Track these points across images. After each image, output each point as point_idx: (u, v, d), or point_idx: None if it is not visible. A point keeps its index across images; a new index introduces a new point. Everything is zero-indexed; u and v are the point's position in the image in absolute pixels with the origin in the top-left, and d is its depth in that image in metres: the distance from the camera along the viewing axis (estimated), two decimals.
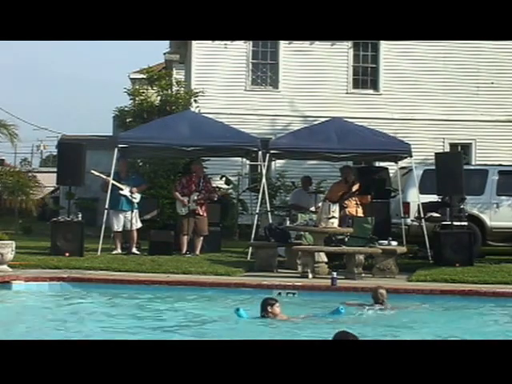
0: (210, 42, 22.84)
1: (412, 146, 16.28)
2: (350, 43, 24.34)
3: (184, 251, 15.34)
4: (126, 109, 23.67)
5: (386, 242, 13.83)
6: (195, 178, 15.88)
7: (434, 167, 15.75)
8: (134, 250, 15.55)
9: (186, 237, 15.52)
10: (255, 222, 16.33)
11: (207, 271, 13.10)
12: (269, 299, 9.24)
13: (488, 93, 24.48)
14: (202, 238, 15.68)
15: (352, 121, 17.84)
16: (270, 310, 8.96)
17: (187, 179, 16.04)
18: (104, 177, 15.78)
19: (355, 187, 15.71)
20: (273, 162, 20.71)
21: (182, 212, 15.59)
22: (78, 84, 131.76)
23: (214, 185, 17.79)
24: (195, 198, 15.58)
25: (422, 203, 15.75)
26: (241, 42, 23.61)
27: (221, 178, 21.27)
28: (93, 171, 15.79)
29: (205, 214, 15.74)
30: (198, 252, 15.46)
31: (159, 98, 23.55)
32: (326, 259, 13.91)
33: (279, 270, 13.76)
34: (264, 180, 16.23)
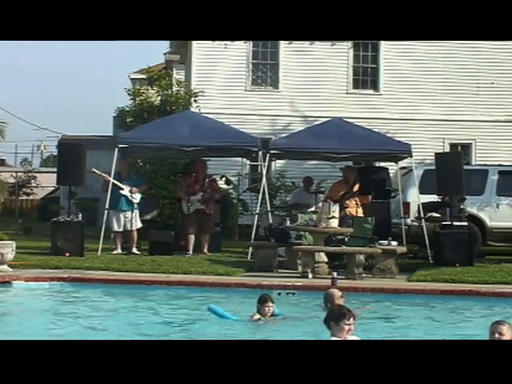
0: (210, 42, 22.81)
1: (412, 146, 16.29)
2: (350, 43, 24.33)
3: (191, 250, 15.39)
4: (127, 109, 23.69)
5: (386, 242, 13.83)
6: (200, 178, 15.98)
7: (434, 167, 15.75)
8: (134, 250, 15.56)
9: (192, 236, 15.59)
10: (255, 222, 16.33)
11: (207, 271, 13.11)
12: (262, 297, 9.18)
13: (488, 93, 24.48)
14: (208, 236, 15.74)
15: (352, 121, 17.83)
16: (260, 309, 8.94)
17: (192, 179, 16.15)
18: (105, 176, 15.79)
19: (356, 187, 15.72)
20: (273, 162, 20.71)
21: (187, 211, 15.68)
22: (78, 84, 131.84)
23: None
24: (199, 197, 15.68)
25: (422, 203, 15.75)
26: (241, 42, 23.60)
27: (221, 178, 21.28)
28: (94, 170, 15.80)
29: (211, 213, 15.86)
30: (205, 250, 15.55)
31: (159, 98, 23.57)
32: (326, 259, 13.91)
33: (279, 270, 13.76)
34: (264, 180, 16.24)
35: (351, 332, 5.97)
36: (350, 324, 5.94)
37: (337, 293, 9.14)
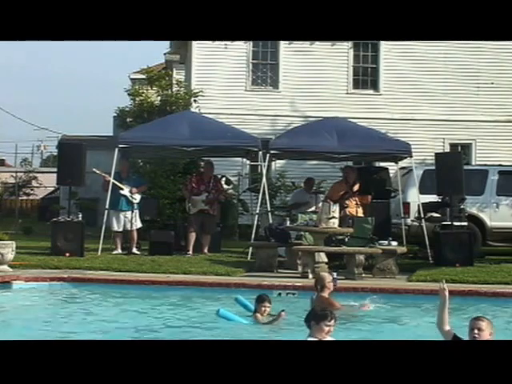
0: (210, 42, 22.83)
1: (412, 146, 16.28)
2: (350, 43, 24.35)
3: (191, 249, 15.42)
4: (127, 109, 23.70)
5: (386, 242, 13.83)
6: (206, 179, 16.06)
7: (433, 167, 15.75)
8: (135, 250, 15.57)
9: (193, 234, 15.63)
10: (255, 222, 16.34)
11: (207, 271, 13.11)
12: (260, 297, 9.19)
13: (488, 93, 24.49)
14: (209, 236, 15.78)
15: (352, 121, 17.83)
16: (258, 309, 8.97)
17: (197, 179, 16.23)
18: (105, 175, 15.79)
19: (356, 187, 15.71)
20: (273, 162, 20.71)
21: (192, 211, 15.74)
22: (78, 84, 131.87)
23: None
24: (203, 197, 15.75)
25: (422, 203, 15.75)
26: (241, 43, 23.61)
27: (221, 178, 21.27)
28: (94, 169, 15.81)
29: (215, 213, 15.98)
30: (205, 250, 15.60)
31: (159, 98, 23.57)
32: (326, 259, 13.90)
33: (279, 270, 13.77)
34: (264, 180, 16.24)
35: (330, 333, 6.01)
36: (330, 325, 6.01)
37: (328, 276, 9.40)
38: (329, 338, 6.03)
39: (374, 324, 9.38)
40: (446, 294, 6.25)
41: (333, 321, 6.02)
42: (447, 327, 6.23)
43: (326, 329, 5.97)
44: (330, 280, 9.33)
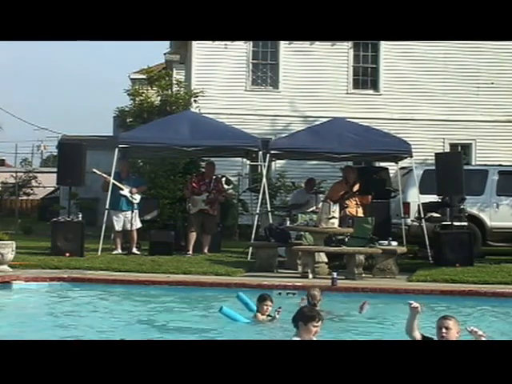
0: (210, 42, 22.82)
1: (412, 146, 16.26)
2: (350, 43, 24.34)
3: (191, 249, 15.43)
4: (127, 109, 23.70)
5: (386, 242, 13.82)
6: (207, 179, 16.08)
7: (433, 167, 15.75)
8: (135, 250, 15.57)
9: (194, 234, 15.64)
10: (255, 222, 16.33)
11: (207, 271, 13.11)
12: (261, 296, 9.22)
13: (488, 93, 24.48)
14: (209, 236, 15.80)
15: (352, 121, 17.81)
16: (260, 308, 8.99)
17: (198, 179, 16.26)
18: (105, 176, 15.80)
19: (356, 187, 15.71)
20: (273, 163, 20.70)
21: (192, 211, 15.75)
22: (78, 84, 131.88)
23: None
24: (204, 197, 15.78)
25: (422, 203, 15.75)
26: (241, 43, 23.61)
27: (221, 178, 21.25)
28: (94, 170, 15.80)
29: (215, 213, 16.02)
30: (206, 250, 15.64)
31: (159, 98, 23.57)
32: (326, 259, 13.91)
33: (279, 270, 13.76)
34: (264, 180, 16.24)
35: (317, 334, 6.05)
36: (317, 326, 6.06)
37: (318, 295, 9.44)
38: (314, 339, 6.06)
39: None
40: (418, 310, 6.26)
41: (320, 322, 6.08)
42: (415, 333, 6.26)
43: (314, 330, 6.03)
44: (320, 298, 9.42)
